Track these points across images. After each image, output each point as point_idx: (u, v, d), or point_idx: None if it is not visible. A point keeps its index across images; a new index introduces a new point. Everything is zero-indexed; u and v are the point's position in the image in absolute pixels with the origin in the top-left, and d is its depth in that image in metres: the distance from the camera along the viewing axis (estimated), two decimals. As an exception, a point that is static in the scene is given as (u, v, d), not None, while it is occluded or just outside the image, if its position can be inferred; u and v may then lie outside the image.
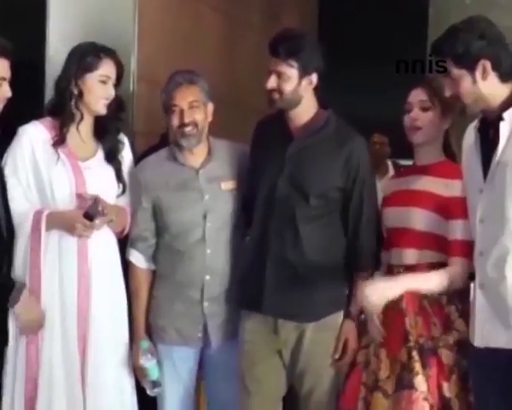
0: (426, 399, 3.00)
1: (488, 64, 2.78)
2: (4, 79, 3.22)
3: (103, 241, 3.30)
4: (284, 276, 3.24)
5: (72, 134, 3.30)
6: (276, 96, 3.22)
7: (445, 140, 3.20)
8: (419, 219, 3.12)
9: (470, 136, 2.97)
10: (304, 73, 3.21)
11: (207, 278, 3.33)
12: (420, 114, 3.17)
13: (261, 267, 3.25)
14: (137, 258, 3.41)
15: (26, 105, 3.50)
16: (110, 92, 3.29)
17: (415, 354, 3.04)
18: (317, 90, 3.29)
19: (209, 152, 3.40)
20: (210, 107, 3.36)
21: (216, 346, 3.36)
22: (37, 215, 3.20)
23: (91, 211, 3.15)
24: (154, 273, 3.45)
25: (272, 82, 3.20)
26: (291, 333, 3.21)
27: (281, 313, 3.22)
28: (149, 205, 3.37)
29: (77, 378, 3.24)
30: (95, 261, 3.26)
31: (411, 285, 3.06)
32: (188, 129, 3.28)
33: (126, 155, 3.44)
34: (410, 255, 3.14)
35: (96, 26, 3.89)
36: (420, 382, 3.02)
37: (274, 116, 3.40)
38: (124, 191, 3.36)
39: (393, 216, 3.21)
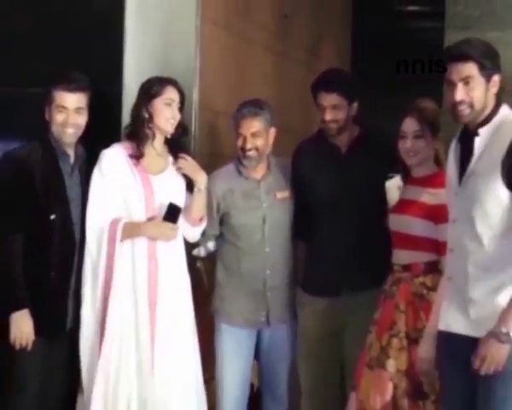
0: (391, 379, 3.11)
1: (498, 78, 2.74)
2: (81, 109, 3.38)
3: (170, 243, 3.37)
4: (349, 261, 3.44)
5: (147, 152, 3.40)
6: (335, 125, 3.42)
7: (437, 153, 3.24)
8: (410, 224, 3.19)
9: (452, 147, 2.93)
10: (350, 102, 3.44)
11: (268, 272, 3.52)
12: (413, 142, 3.19)
13: (330, 257, 3.47)
14: (200, 251, 3.65)
15: (105, 130, 3.67)
16: (175, 113, 3.38)
17: (394, 341, 3.14)
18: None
19: (268, 167, 3.58)
20: (272, 131, 3.54)
21: (274, 325, 3.56)
22: (114, 225, 3.30)
23: (170, 216, 3.28)
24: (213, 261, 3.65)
25: (331, 114, 3.40)
26: (353, 304, 3.41)
27: (350, 289, 3.43)
28: (218, 209, 3.54)
29: (147, 347, 3.32)
30: (161, 258, 3.35)
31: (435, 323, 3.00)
32: (249, 153, 3.47)
33: None
34: (406, 256, 3.21)
35: (165, 63, 3.96)
36: (390, 364, 3.12)
37: (315, 137, 3.61)
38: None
39: (393, 221, 3.28)
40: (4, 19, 4.20)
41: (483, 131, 2.73)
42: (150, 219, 3.35)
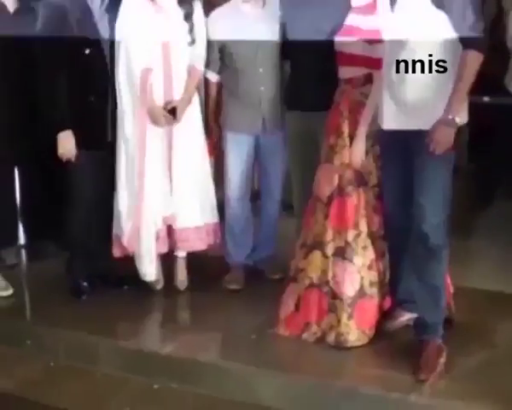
0: (337, 171, 3.38)
1: None
2: None
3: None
4: (314, 81, 3.69)
5: None
6: None
7: None
8: (350, 45, 3.40)
9: None
10: None
11: (262, 88, 3.90)
12: None
13: (298, 78, 3.77)
14: (211, 75, 4.01)
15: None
16: None
17: (339, 140, 3.42)
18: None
19: (263, 4, 3.89)
20: None
21: (269, 131, 3.94)
22: (145, 75, 3.68)
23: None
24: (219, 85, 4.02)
25: None
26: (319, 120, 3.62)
27: (311, 108, 3.72)
28: (218, 41, 3.89)
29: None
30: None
31: (366, 123, 3.33)
32: None
33: (198, 13, 3.82)
34: (348, 71, 3.46)
35: None
36: (336, 158, 3.41)
37: None
38: (193, 42, 3.78)
39: (338, 43, 3.48)
40: None
41: None
42: (165, 45, 3.68)
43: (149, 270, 3.89)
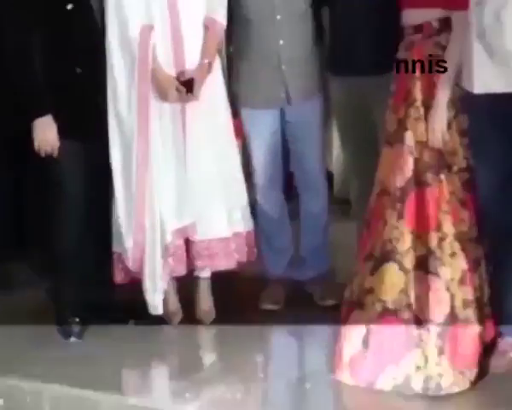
0: (411, 153, 2.99)
1: None
2: None
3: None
4: (365, 35, 3.33)
5: None
6: None
7: None
8: None
9: None
10: None
11: (281, 42, 3.40)
12: None
13: (343, 37, 3.37)
14: None
15: None
16: None
17: (411, 111, 3.01)
18: None
19: None
20: None
21: (296, 103, 3.45)
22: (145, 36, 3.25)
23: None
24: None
25: None
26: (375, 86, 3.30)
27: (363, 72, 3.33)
28: None
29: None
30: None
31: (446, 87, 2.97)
32: None
33: None
34: (416, 15, 3.07)
35: None
36: (408, 137, 3.00)
37: None
38: None
39: None
40: None
41: None
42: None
43: (153, 300, 3.41)
